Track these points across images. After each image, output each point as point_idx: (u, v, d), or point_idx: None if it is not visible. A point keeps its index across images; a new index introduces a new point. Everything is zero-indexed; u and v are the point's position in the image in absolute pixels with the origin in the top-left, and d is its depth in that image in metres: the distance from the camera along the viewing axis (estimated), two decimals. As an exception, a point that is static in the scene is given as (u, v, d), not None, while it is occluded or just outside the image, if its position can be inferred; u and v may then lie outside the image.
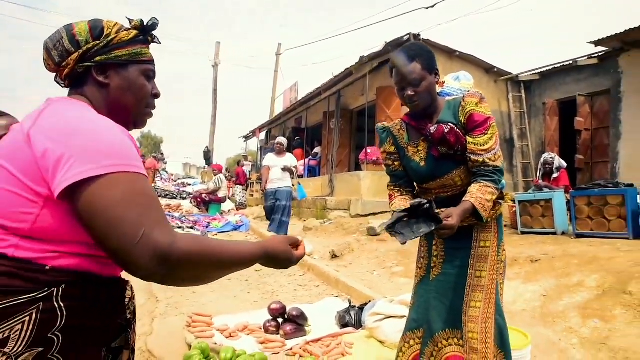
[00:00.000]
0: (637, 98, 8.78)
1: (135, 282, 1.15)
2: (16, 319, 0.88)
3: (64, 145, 0.90)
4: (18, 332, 0.88)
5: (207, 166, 21.66)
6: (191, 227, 8.71)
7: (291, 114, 16.49)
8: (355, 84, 11.40)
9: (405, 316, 2.96)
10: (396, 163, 2.04)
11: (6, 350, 0.87)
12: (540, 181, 7.09)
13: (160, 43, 1.20)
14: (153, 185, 14.80)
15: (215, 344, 2.73)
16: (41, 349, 0.90)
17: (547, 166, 7.03)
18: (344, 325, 3.28)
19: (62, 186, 0.88)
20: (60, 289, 0.92)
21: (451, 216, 1.67)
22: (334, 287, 4.69)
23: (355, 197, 9.74)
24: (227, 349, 2.51)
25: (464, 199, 1.78)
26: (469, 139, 1.82)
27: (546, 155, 7.21)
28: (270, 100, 22.59)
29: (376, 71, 10.48)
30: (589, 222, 5.68)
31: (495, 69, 10.99)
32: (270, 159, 7.85)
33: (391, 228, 1.63)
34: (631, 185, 5.61)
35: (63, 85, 1.15)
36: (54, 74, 1.13)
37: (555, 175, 6.95)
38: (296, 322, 3.11)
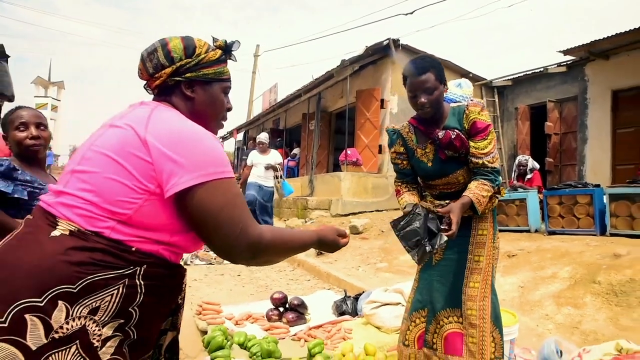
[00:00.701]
0: (601, 104, 9.26)
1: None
2: (106, 291, 1.01)
3: (175, 152, 1.06)
4: (107, 303, 1.01)
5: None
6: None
7: (270, 115, 16.59)
8: (335, 87, 11.62)
9: (400, 303, 3.21)
10: (405, 162, 2.26)
11: (96, 318, 0.99)
12: (515, 182, 7.46)
13: (236, 60, 1.34)
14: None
15: (227, 329, 2.89)
16: (122, 321, 1.04)
17: (521, 167, 7.41)
18: (341, 313, 3.49)
19: (175, 189, 1.05)
20: (142, 269, 1.06)
21: (452, 211, 1.92)
22: (325, 280, 4.90)
23: (336, 197, 9.95)
24: (239, 334, 2.69)
25: (463, 194, 2.03)
26: (471, 143, 2.06)
27: (521, 157, 7.59)
28: (248, 101, 22.63)
29: (356, 74, 10.72)
30: (560, 220, 6.07)
31: (471, 75, 11.38)
32: (253, 156, 7.72)
33: (410, 251, 1.91)
34: (598, 186, 6.03)
35: (150, 93, 1.29)
36: (144, 82, 1.27)
37: (528, 176, 7.34)
38: (297, 311, 3.31)
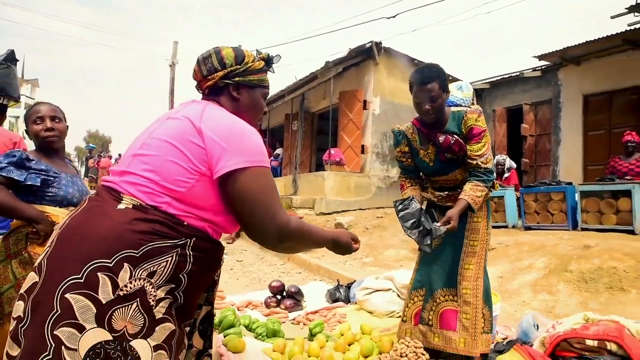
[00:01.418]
0: (573, 108, 9.70)
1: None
2: (162, 258, 1.17)
3: (225, 141, 1.25)
4: (162, 268, 1.17)
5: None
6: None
7: (253, 115, 16.67)
8: (318, 88, 11.79)
9: (390, 289, 3.45)
10: (409, 160, 2.52)
11: (152, 280, 1.15)
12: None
13: (274, 72, 1.57)
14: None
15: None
16: (173, 285, 1.20)
17: (499, 167, 7.73)
18: (334, 300, 3.71)
19: (223, 171, 1.23)
20: (192, 241, 1.23)
21: (451, 218, 2.19)
22: (316, 273, 5.11)
23: (320, 196, 10.14)
24: (244, 317, 2.88)
25: (459, 197, 2.29)
26: (467, 146, 2.30)
27: (499, 157, 7.92)
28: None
29: (339, 76, 10.92)
30: (536, 216, 6.42)
31: (450, 77, 11.74)
32: None
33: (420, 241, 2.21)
34: (570, 184, 6.39)
35: (200, 92, 1.49)
36: (196, 82, 1.47)
37: (506, 175, 7.67)
38: (294, 298, 3.51)
